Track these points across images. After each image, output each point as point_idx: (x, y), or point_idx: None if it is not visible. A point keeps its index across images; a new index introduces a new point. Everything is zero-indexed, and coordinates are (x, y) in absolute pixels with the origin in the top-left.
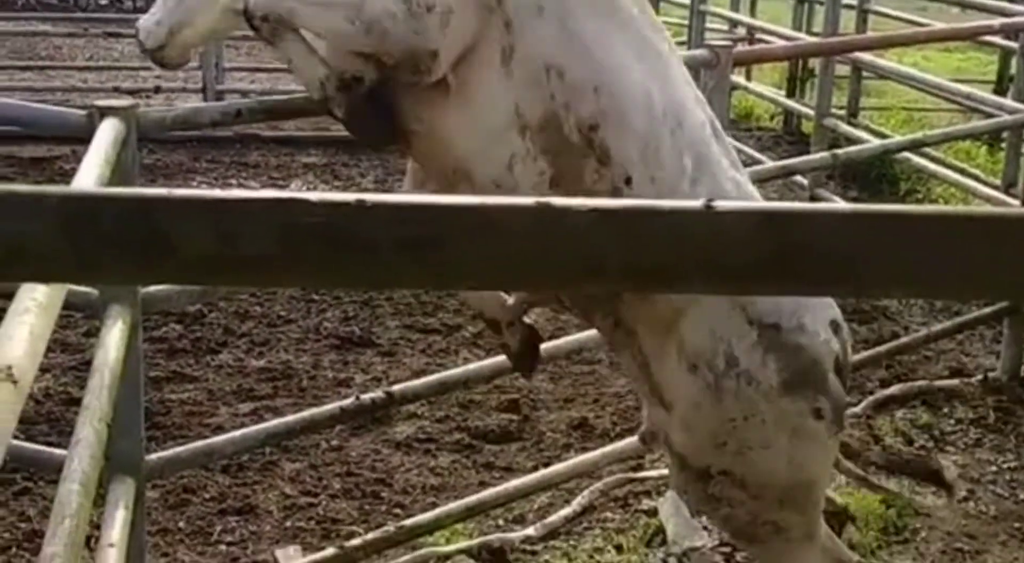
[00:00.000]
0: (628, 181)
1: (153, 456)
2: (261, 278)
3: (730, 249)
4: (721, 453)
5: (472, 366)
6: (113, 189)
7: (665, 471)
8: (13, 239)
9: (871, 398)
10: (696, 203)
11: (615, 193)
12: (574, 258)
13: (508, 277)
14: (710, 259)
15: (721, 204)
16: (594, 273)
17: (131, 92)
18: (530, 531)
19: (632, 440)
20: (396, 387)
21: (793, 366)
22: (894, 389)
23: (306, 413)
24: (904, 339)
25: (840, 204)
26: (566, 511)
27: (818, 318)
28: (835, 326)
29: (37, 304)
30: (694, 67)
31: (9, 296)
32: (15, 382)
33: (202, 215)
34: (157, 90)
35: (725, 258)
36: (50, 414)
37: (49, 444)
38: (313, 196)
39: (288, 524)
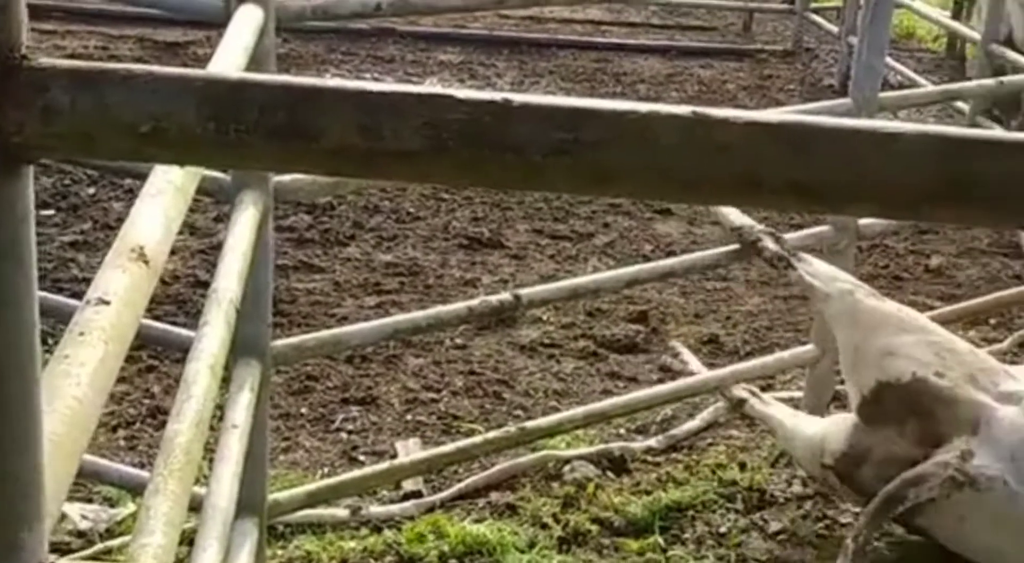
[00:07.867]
0: None
1: (280, 342)
2: (401, 172)
3: (906, 172)
4: None
5: (603, 275)
6: (258, 75)
7: (796, 393)
8: (157, 120)
9: (1016, 335)
10: (866, 123)
11: None
12: (728, 171)
13: (658, 187)
14: (883, 181)
15: (895, 126)
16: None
17: None
18: (652, 442)
19: (761, 360)
20: (524, 290)
21: None
22: None
23: (433, 310)
24: None
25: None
26: (691, 424)
27: None
28: None
29: (172, 186)
30: None
31: (142, 177)
32: (147, 262)
33: (346, 106)
34: None
35: (899, 180)
36: (178, 296)
37: (175, 324)
38: (459, 93)
39: (409, 417)
